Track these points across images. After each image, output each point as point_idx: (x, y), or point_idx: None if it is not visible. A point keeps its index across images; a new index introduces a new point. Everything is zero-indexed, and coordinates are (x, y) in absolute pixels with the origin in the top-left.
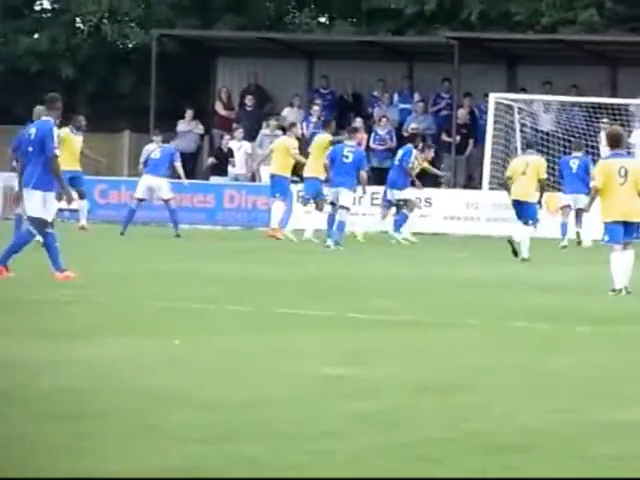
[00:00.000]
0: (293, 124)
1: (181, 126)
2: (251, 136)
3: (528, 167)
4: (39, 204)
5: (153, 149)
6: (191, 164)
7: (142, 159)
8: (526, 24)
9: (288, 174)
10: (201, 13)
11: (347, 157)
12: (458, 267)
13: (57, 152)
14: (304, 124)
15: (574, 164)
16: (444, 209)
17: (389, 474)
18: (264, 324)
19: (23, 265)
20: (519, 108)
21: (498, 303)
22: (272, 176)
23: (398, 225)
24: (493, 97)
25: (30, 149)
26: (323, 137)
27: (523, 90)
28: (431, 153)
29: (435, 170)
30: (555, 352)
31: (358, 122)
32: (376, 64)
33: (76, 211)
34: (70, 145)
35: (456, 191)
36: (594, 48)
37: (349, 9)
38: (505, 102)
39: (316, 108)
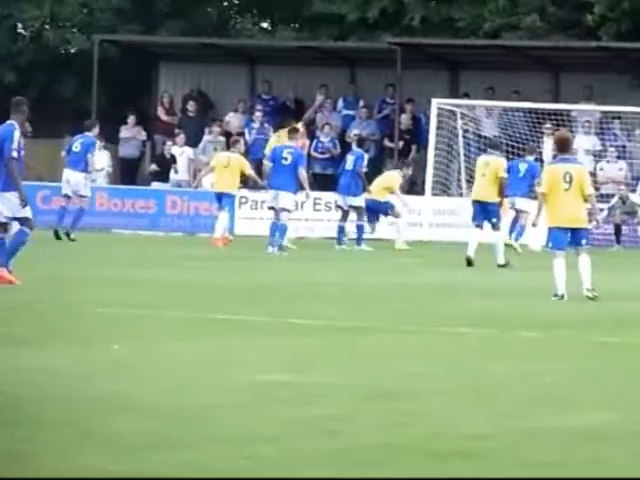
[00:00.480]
0: (237, 140)
1: (124, 132)
2: (194, 142)
3: (488, 168)
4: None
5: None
6: (133, 170)
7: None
8: (469, 30)
9: (237, 191)
10: (143, 19)
11: (286, 159)
12: (401, 273)
13: (14, 154)
14: (246, 130)
15: (522, 167)
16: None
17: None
18: (205, 330)
19: None
20: (462, 113)
21: (442, 309)
22: (222, 194)
23: (359, 237)
24: (436, 103)
25: None
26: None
27: (466, 95)
28: (409, 171)
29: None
30: (499, 358)
31: (300, 128)
32: (319, 70)
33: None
34: None
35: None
36: (537, 54)
37: (291, 15)
38: (448, 108)
39: (258, 114)
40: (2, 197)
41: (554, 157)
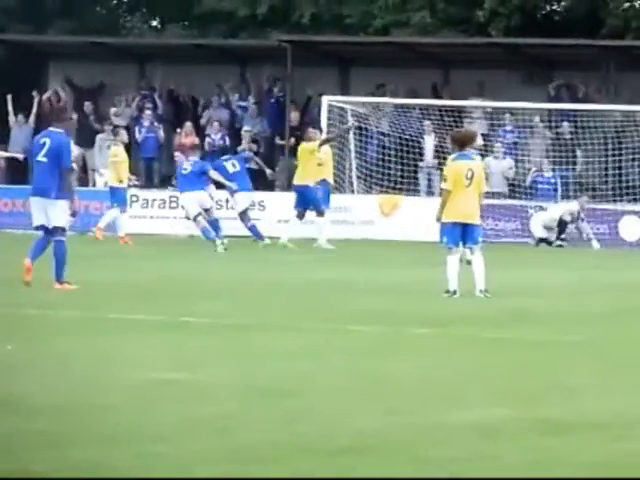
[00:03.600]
0: (117, 131)
1: (15, 131)
2: (89, 142)
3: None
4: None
5: None
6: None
7: None
8: (358, 27)
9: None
10: (33, 18)
11: (186, 169)
12: (293, 270)
13: (73, 165)
14: (137, 128)
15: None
16: (277, 212)
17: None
18: (96, 329)
19: None
20: (352, 110)
21: (333, 306)
22: (113, 188)
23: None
24: (326, 100)
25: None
26: (308, 145)
27: (356, 93)
28: None
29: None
30: (391, 355)
31: (188, 126)
32: (210, 67)
33: None
34: None
35: (290, 194)
36: (427, 50)
37: (180, 13)
38: (338, 105)
39: (148, 112)
40: (54, 205)
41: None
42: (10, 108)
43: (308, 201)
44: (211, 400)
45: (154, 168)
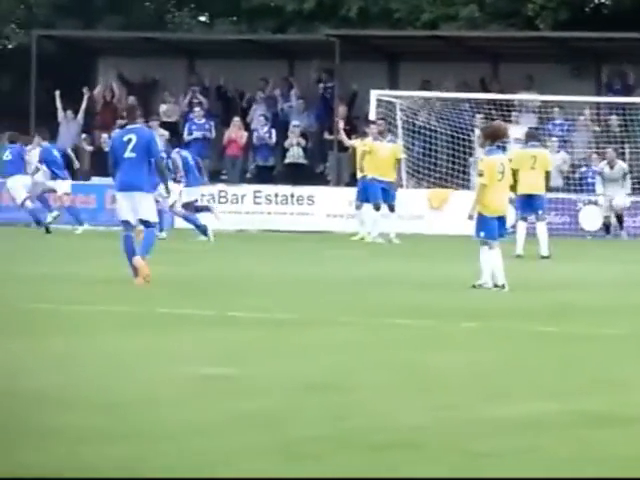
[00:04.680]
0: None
1: (63, 127)
2: None
3: (536, 161)
4: None
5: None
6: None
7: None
8: (406, 21)
9: None
10: (82, 14)
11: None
12: (341, 265)
13: (163, 154)
14: (186, 125)
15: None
16: (327, 207)
17: (268, 472)
18: (145, 324)
19: None
20: (401, 105)
21: (380, 300)
22: None
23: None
24: (375, 94)
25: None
26: (397, 146)
27: (404, 87)
28: None
29: None
30: (436, 349)
31: (237, 121)
32: (258, 62)
33: None
34: None
35: (339, 189)
36: (475, 44)
37: (229, 8)
38: (387, 99)
39: (198, 109)
40: (146, 198)
41: (492, 147)
42: (59, 104)
43: (376, 195)
44: (258, 395)
45: (203, 163)
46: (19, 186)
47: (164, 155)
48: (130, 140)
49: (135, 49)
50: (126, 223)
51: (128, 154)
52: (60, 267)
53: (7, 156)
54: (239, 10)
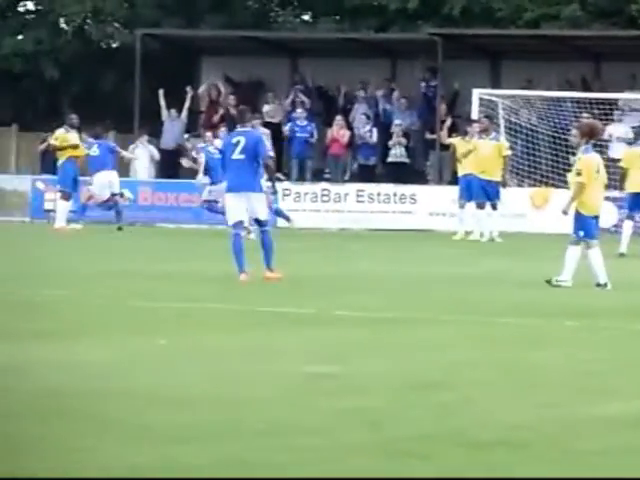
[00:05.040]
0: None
1: (167, 125)
2: None
3: None
4: None
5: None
6: (171, 163)
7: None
8: (509, 20)
9: None
10: (185, 13)
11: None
12: (442, 263)
13: (271, 154)
14: (289, 124)
15: None
16: (429, 205)
17: (374, 471)
18: (247, 323)
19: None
20: (503, 104)
21: (482, 299)
22: None
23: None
24: (477, 93)
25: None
26: (501, 143)
27: (506, 86)
28: None
29: None
30: (541, 347)
31: (339, 120)
32: (360, 61)
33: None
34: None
35: (441, 187)
36: (577, 43)
37: (332, 7)
38: (488, 98)
39: (300, 110)
40: (259, 198)
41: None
42: (162, 102)
43: (479, 193)
44: (363, 393)
45: (306, 162)
46: (103, 182)
47: (272, 154)
48: (239, 142)
49: (238, 48)
50: (239, 223)
51: (236, 156)
52: (165, 265)
53: (94, 151)
54: (342, 9)
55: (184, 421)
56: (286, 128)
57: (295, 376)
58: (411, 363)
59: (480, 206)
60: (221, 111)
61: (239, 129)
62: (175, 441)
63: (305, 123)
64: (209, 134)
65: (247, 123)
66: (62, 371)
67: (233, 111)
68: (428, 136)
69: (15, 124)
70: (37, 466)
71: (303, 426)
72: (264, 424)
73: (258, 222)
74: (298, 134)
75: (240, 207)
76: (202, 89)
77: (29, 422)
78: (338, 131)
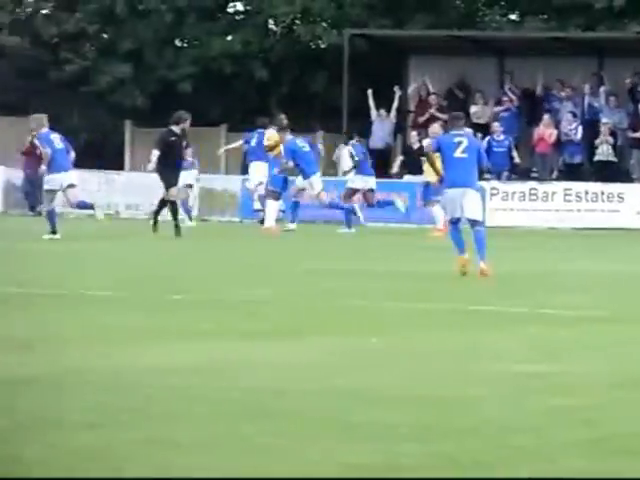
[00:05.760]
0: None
1: (376, 125)
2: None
3: None
4: None
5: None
6: (382, 162)
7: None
8: None
9: None
10: (393, 13)
11: None
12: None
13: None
14: (495, 124)
15: None
16: (636, 204)
17: (588, 470)
18: (457, 321)
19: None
20: None
21: None
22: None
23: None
24: None
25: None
26: None
27: None
28: None
29: None
30: None
31: (546, 119)
32: (567, 60)
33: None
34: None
35: None
36: None
37: (540, 5)
38: None
39: (505, 114)
40: (476, 198)
41: None
42: (371, 102)
43: None
44: (576, 392)
45: (503, 173)
46: (254, 172)
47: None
48: (461, 142)
49: (445, 47)
50: (456, 221)
51: (459, 154)
52: (374, 264)
53: (253, 142)
54: (549, 8)
55: (394, 419)
56: (484, 142)
57: (506, 375)
58: (621, 361)
59: None
60: (430, 110)
61: (456, 132)
62: (386, 439)
63: (502, 138)
64: (414, 133)
65: (462, 128)
66: (272, 370)
67: (438, 113)
68: (629, 134)
69: (224, 124)
70: (275, 468)
71: (513, 425)
72: (474, 423)
73: (471, 222)
74: (495, 149)
75: (455, 204)
76: (410, 89)
77: (237, 421)
78: (545, 130)
